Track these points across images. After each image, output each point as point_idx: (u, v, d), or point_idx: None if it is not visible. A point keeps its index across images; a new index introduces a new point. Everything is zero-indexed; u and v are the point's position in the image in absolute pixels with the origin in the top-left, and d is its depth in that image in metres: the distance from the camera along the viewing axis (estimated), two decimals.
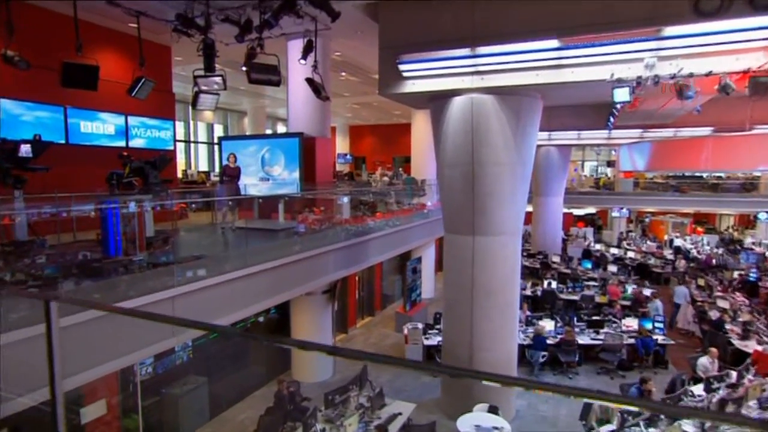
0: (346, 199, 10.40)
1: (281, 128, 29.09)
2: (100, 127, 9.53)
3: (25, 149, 6.30)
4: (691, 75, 5.09)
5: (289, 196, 9.08)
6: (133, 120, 10.04)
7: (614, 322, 10.95)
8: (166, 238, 6.42)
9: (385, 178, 16.32)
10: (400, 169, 24.79)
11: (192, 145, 22.23)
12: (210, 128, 23.42)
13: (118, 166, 6.97)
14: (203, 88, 7.59)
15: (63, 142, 9.03)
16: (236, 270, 5.98)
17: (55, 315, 1.52)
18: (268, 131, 25.81)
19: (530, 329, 10.67)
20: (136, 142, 10.02)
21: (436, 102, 7.71)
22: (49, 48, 7.98)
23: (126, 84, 7.75)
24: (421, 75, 7.10)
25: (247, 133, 23.14)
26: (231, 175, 8.87)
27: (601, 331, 10.53)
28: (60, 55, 6.43)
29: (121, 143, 9.74)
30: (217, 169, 23.32)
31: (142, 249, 5.29)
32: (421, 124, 16.97)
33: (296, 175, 9.03)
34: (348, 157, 28.85)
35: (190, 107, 20.92)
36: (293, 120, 10.04)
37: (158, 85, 8.12)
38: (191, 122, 21.71)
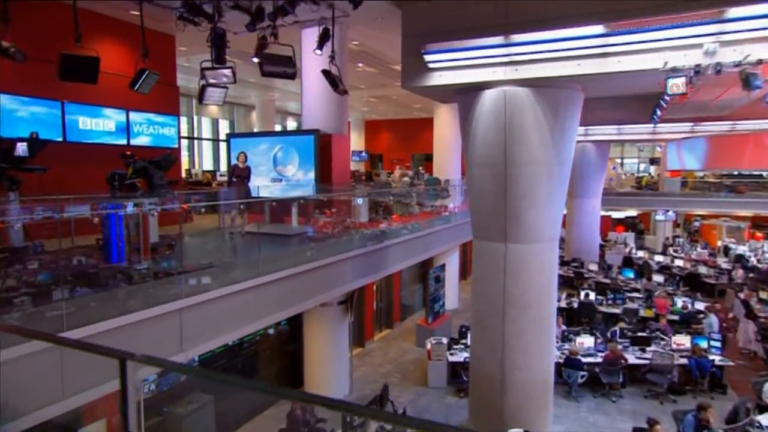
0: (363, 202, 10.42)
1: (291, 123, 29.27)
2: (100, 124, 9.66)
3: (22, 148, 6.42)
4: (759, 62, 4.94)
5: (304, 198, 9.10)
6: (135, 116, 10.17)
7: (663, 339, 10.72)
8: (172, 243, 6.47)
9: (406, 179, 16.26)
10: (421, 168, 24.76)
11: (196, 142, 22.50)
12: (215, 124, 23.67)
13: (120, 165, 7.05)
14: (211, 81, 7.62)
15: (60, 139, 9.18)
16: (247, 280, 6.01)
17: (131, 374, 1.50)
18: (278, 127, 25.99)
19: (566, 345, 10.51)
20: (139, 140, 10.15)
21: (465, 96, 7.64)
22: (46, 38, 8.10)
23: (127, 77, 7.84)
24: (449, 66, 7.04)
25: (255, 129, 23.32)
26: (241, 175, 8.95)
27: (648, 349, 10.31)
28: (58, 46, 6.52)
29: (122, 141, 9.86)
30: (222, 168, 23.57)
31: (147, 256, 5.32)
32: (444, 119, 16.91)
33: (311, 175, 9.06)
34: (363, 154, 28.90)
35: (194, 101, 21.30)
36: (308, 116, 10.07)
37: (162, 77, 8.20)
38: (195, 117, 21.98)
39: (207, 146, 23.64)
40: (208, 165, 23.10)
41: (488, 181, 7.55)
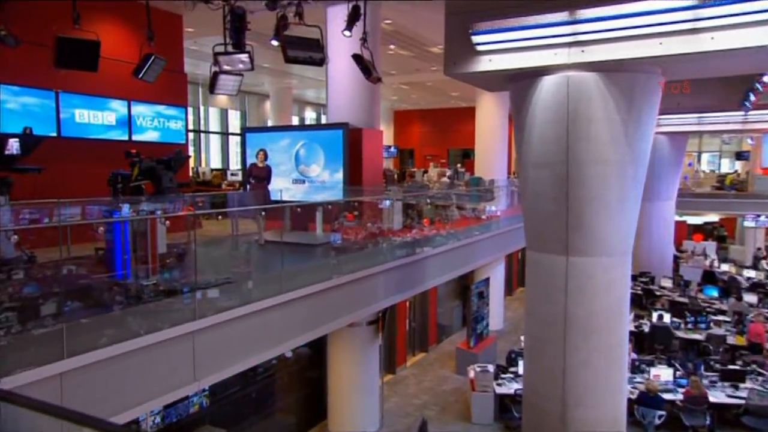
0: (395, 206, 10.40)
1: (309, 114, 29.53)
2: (99, 117, 9.89)
3: (14, 146, 6.55)
4: None
5: (333, 203, 9.14)
6: (138, 108, 10.37)
7: (761, 374, 10.30)
8: (182, 254, 6.53)
9: (445, 179, 16.15)
10: (459, 165, 24.63)
11: (202, 136, 22.86)
12: (223, 115, 24.02)
13: (122, 164, 7.15)
14: (225, 67, 7.66)
15: (54, 134, 9.41)
16: (269, 297, 6.05)
17: None
18: (295, 119, 26.26)
19: (638, 378, 10.23)
20: (143, 136, 10.37)
21: (519, 83, 7.50)
22: (40, 20, 8.24)
23: (129, 62, 7.97)
24: (501, 48, 6.93)
25: (270, 121, 23.58)
26: (259, 176, 9.02)
27: (742, 386, 9.91)
28: (53, 29, 6.61)
29: (124, 137, 10.08)
30: (233, 165, 23.90)
31: (155, 270, 5.36)
32: (489, 109, 16.79)
33: (339, 176, 9.06)
34: (392, 149, 28.92)
35: (201, 90, 21.64)
36: (334, 107, 10.06)
37: (168, 63, 8.30)
38: (201, 108, 22.33)
39: (215, 141, 24.00)
40: (216, 162, 23.46)
41: (546, 184, 7.39)
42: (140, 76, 7.68)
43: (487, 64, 7.06)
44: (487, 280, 14.43)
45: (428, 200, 12.22)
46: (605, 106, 6.83)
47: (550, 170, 7.28)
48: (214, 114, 23.76)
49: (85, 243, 6.35)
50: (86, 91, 9.66)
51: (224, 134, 24.04)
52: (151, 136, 10.36)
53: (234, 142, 24.60)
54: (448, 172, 18.02)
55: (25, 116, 8.95)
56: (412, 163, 32.73)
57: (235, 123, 24.81)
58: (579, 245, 7.29)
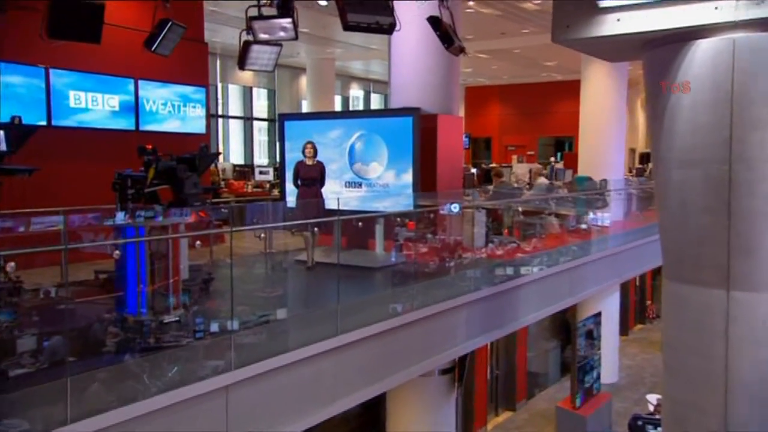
0: (478, 216, 10.22)
1: (356, 93, 29.67)
2: (99, 100, 10.05)
3: (0, 140, 6.66)
4: None
5: (405, 214, 9.02)
6: (147, 88, 10.48)
7: None
8: (207, 281, 6.52)
9: (542, 179, 15.83)
10: (553, 159, 24.22)
11: (220, 121, 23.18)
12: (247, 94, 24.35)
13: (127, 162, 7.19)
14: (261, 36, 7.66)
15: (44, 123, 9.60)
16: (321, 341, 5.98)
17: None
18: (338, 99, 26.37)
19: None
20: (154, 125, 10.51)
21: (659, 51, 7.14)
22: None
23: (137, 31, 8.04)
24: (636, 3, 6.62)
25: (306, 100, 23.73)
26: (308, 177, 9.01)
27: None
28: None
29: (129, 126, 10.19)
30: (258, 159, 24.19)
31: (178, 304, 5.33)
32: (600, 83, 16.45)
33: (407, 177, 8.95)
34: (463, 139, 28.69)
35: (219, 61, 21.99)
36: (400, 87, 10.03)
37: (186, 31, 8.35)
38: (219, 86, 22.68)
39: (235, 127, 24.31)
40: (237, 157, 23.75)
41: (697, 189, 6.99)
42: (153, 48, 7.77)
43: (614, 25, 6.76)
44: (598, 315, 13.98)
45: (520, 208, 11.89)
46: None
47: (704, 171, 6.89)
48: (235, 93, 24.09)
49: (77, 262, 6.40)
50: (83, 68, 9.83)
51: (248, 119, 24.33)
52: (164, 125, 10.51)
53: (257, 129, 24.91)
54: (545, 172, 17.69)
55: (9, 99, 9.13)
56: (488, 156, 32.43)
57: (261, 104, 25.10)
58: (746, 276, 6.85)
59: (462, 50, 8.05)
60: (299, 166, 9.21)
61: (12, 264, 4.44)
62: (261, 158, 25.01)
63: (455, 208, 9.65)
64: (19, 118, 6.91)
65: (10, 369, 4.51)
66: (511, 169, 19.99)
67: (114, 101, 10.17)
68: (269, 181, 17.65)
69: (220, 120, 23.12)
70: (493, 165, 23.39)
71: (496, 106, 31.93)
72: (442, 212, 9.30)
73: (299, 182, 9.16)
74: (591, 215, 13.63)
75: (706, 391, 7.12)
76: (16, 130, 6.58)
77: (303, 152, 9.11)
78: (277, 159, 23.17)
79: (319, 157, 9.22)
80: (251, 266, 9.16)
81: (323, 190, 9.38)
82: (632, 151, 27.80)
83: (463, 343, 8.42)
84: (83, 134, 9.90)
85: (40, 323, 5.16)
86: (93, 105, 9.96)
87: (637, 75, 20.84)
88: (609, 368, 15.42)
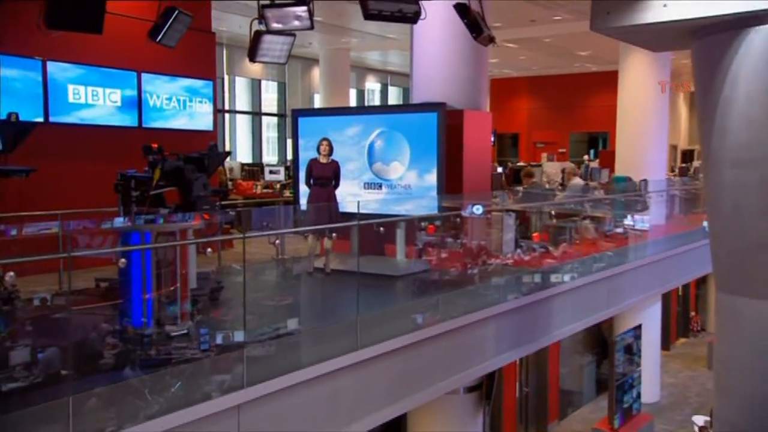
0: (507, 220, 10.20)
1: (372, 86, 29.69)
2: (99, 95, 10.11)
3: None
4: None
5: (420, 218, 8.97)
6: (150, 82, 10.51)
7: None
8: (216, 290, 6.53)
9: (577, 180, 15.74)
10: (586, 157, 24.06)
11: (227, 116, 23.25)
12: (255, 87, 24.41)
13: (130, 162, 7.21)
14: (274, 25, 7.67)
15: (41, 120, 9.68)
16: (340, 355, 5.94)
17: None
18: (353, 92, 26.38)
19: None
20: (158, 122, 10.53)
21: (710, 39, 7.09)
22: None
23: (140, 21, 8.05)
24: None
25: (319, 93, 23.70)
26: (322, 176, 8.98)
27: None
28: None
29: (131, 122, 10.23)
30: (266, 157, 24.24)
31: (186, 315, 5.34)
32: (639, 73, 16.30)
33: (431, 178, 8.92)
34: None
35: (225, 51, 22.07)
36: (423, 80, 10.00)
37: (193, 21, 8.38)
38: (225, 78, 22.76)
39: (242, 123, 24.37)
40: (245, 154, 23.82)
41: (752, 191, 6.92)
42: (159, 39, 7.78)
43: (660, 12, 6.72)
44: (638, 329, 13.84)
45: (553, 211, 11.84)
46: None
47: (759, 171, 6.82)
48: (242, 86, 24.16)
49: (75, 269, 6.44)
50: (83, 60, 9.89)
51: (256, 114, 24.42)
52: (169, 121, 10.59)
53: (266, 124, 24.94)
54: (579, 172, 17.57)
55: (3, 94, 9.20)
56: (515, 153, 32.32)
57: (269, 96, 25.11)
58: None
59: (491, 40, 8.01)
60: (312, 165, 9.20)
61: (11, 274, 4.43)
62: (269, 156, 25.05)
63: (478, 209, 9.60)
64: (16, 114, 6.97)
65: (2, 383, 4.52)
66: (541, 169, 19.92)
67: (116, 96, 10.25)
68: (280, 182, 17.63)
69: (227, 115, 23.18)
70: (521, 163, 23.31)
71: (524, 100, 31.83)
72: (464, 214, 9.27)
73: (312, 182, 9.16)
74: (630, 219, 13.53)
75: (763, 415, 7.04)
76: (13, 128, 6.64)
77: (318, 149, 9.10)
78: (288, 157, 23.45)
79: (336, 156, 9.20)
80: (261, 273, 9.19)
81: (337, 191, 9.38)
82: (673, 148, 27.61)
83: (491, 359, 8.38)
84: (83, 131, 9.97)
85: (37, 335, 5.18)
86: (93, 100, 10.04)
87: (679, 65, 20.71)
88: (649, 386, 15.23)
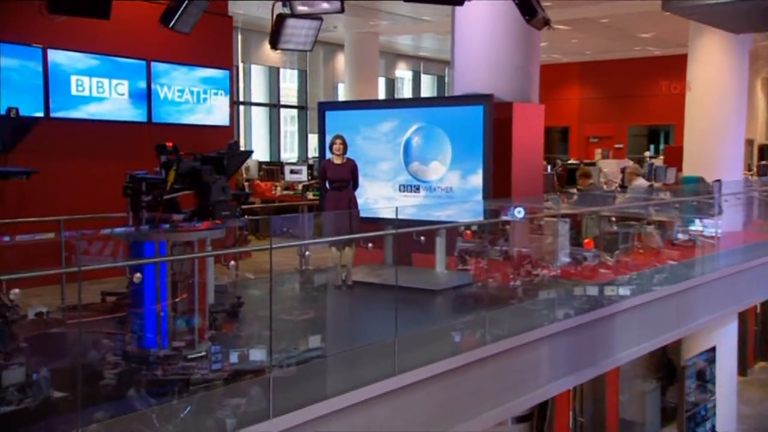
0: (562, 228, 10.17)
1: (403, 74, 29.66)
2: (105, 86, 10.23)
3: None
4: None
5: (462, 225, 9.00)
6: (161, 72, 10.61)
7: None
8: (237, 305, 6.61)
9: (640, 180, 15.66)
10: (647, 154, 23.89)
11: (242, 109, 23.33)
12: (274, 76, 24.50)
13: (139, 162, 7.29)
14: (300, 8, 7.74)
15: (41, 114, 9.80)
16: (375, 382, 5.97)
17: None
18: (382, 81, 26.38)
19: None
20: (171, 116, 10.62)
21: None
22: None
23: (150, 4, 8.14)
24: None
25: (344, 82, 23.70)
26: (337, 178, 9.04)
27: None
28: None
29: (140, 117, 10.33)
30: (284, 153, 24.22)
31: (204, 334, 5.41)
32: (713, 58, 16.04)
33: (477, 180, 8.93)
34: None
35: (240, 36, 22.24)
36: (465, 69, 10.04)
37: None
38: (241, 66, 22.88)
39: (259, 116, 24.45)
40: (261, 151, 23.87)
41: None
42: (172, 24, 7.86)
43: None
44: (711, 351, 13.74)
45: (613, 217, 11.78)
46: None
47: None
48: (258, 75, 24.26)
49: (73, 282, 6.54)
50: (86, 48, 10.01)
51: (274, 107, 24.51)
52: (182, 116, 10.76)
53: (284, 117, 24.99)
54: (641, 171, 17.47)
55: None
56: (565, 150, 32.10)
57: (288, 87, 25.16)
58: None
59: (546, 23, 8.01)
60: (327, 166, 9.24)
61: (16, 290, 4.50)
62: (287, 152, 25.12)
63: (519, 213, 9.59)
64: (17, 110, 7.07)
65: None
66: (598, 168, 19.78)
67: (123, 88, 10.39)
68: (302, 182, 17.51)
69: (242, 107, 23.26)
70: (573, 161, 23.19)
71: (576, 89, 31.71)
72: (504, 218, 9.26)
73: (328, 185, 9.22)
74: (702, 226, 13.41)
75: None
76: (12, 125, 6.73)
77: (330, 148, 9.12)
78: (309, 154, 23.45)
79: (368, 155, 9.27)
80: (283, 285, 9.24)
81: (369, 195, 9.57)
82: (749, 143, 27.22)
83: (545, 386, 8.38)
84: (87, 127, 10.09)
85: (40, 356, 5.25)
86: (98, 92, 10.18)
87: (758, 47, 20.42)
88: (724, 417, 15.02)
